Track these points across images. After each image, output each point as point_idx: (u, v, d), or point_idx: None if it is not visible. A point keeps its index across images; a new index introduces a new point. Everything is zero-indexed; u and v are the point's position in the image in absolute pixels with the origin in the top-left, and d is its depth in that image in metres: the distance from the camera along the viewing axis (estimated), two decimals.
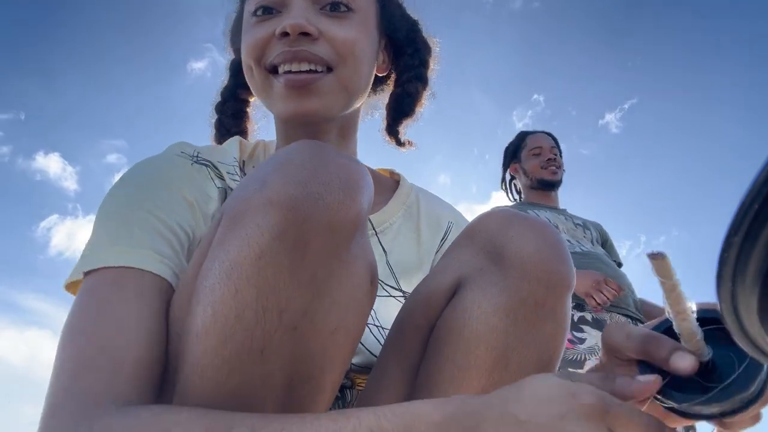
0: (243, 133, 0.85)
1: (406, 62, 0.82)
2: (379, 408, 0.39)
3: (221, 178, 0.68)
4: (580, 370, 1.69)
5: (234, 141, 0.76)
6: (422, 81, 0.83)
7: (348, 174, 0.45)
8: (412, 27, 0.83)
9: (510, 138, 2.26)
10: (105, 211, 0.58)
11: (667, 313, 0.42)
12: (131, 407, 0.43)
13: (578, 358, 1.67)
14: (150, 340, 0.48)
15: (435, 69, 0.85)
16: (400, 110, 0.84)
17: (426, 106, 0.86)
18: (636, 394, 0.41)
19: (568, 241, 1.92)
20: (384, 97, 0.87)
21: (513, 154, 2.20)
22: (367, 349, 0.68)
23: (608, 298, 1.67)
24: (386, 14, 0.78)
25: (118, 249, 0.53)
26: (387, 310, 0.70)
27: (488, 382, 0.52)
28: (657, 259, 0.38)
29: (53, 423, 0.43)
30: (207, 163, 0.68)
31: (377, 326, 0.70)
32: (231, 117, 0.84)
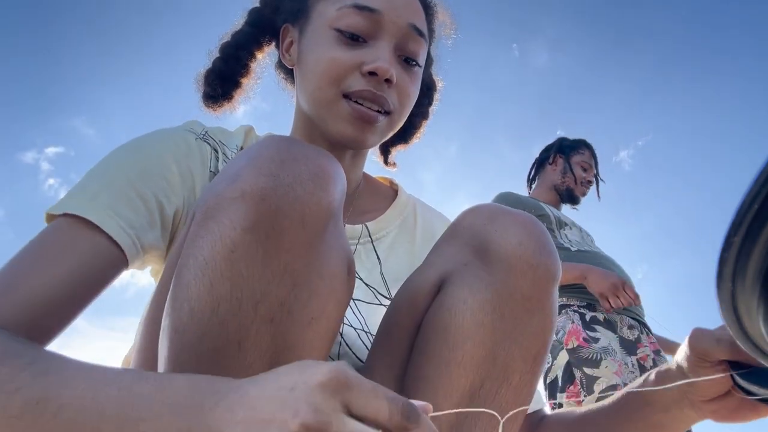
0: (238, 86, 0.81)
1: (419, 100, 0.85)
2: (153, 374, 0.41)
3: (218, 160, 0.70)
4: (596, 369, 1.67)
5: (243, 129, 0.77)
6: (426, 117, 0.90)
7: (318, 165, 0.45)
8: (430, 67, 0.88)
9: (527, 169, 2.27)
10: (93, 168, 0.62)
11: None
12: None
13: (594, 357, 1.65)
14: (55, 284, 0.51)
15: (437, 102, 0.91)
16: (400, 136, 0.89)
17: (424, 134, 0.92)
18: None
19: (578, 241, 1.90)
20: None
21: (567, 149, 2.16)
22: (354, 353, 0.68)
23: (623, 304, 1.62)
24: (426, 68, 0.84)
25: (76, 200, 0.56)
26: (377, 318, 0.70)
27: (476, 378, 0.51)
28: None
29: None
30: (212, 143, 0.70)
31: (366, 332, 0.70)
32: (237, 64, 0.79)
